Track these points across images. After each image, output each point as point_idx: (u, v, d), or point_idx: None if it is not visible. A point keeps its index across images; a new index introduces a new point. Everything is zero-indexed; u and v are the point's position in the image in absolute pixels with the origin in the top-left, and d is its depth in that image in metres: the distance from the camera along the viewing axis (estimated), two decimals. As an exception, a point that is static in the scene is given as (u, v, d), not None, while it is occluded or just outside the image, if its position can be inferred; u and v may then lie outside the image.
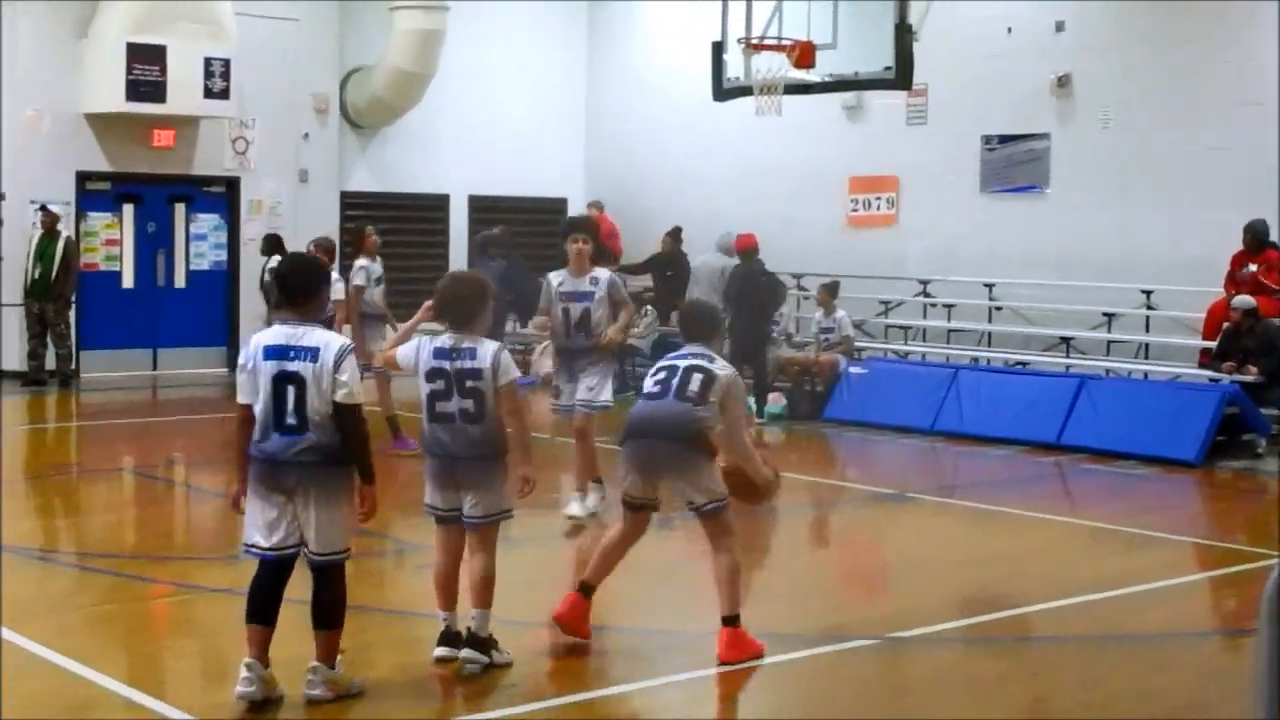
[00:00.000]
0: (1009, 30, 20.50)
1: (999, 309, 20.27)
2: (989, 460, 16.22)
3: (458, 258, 24.92)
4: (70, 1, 21.02)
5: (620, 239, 24.41)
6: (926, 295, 20.88)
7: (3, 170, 20.74)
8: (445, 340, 8.10)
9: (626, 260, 23.89)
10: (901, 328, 21.00)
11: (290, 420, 7.33)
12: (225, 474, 14.83)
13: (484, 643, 8.08)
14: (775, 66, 16.82)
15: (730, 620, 8.40)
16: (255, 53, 21.83)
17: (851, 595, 10.75)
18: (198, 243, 22.74)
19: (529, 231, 25.46)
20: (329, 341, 7.42)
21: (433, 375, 8.05)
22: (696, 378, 8.38)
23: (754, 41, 16.96)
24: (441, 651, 8.15)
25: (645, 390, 8.58)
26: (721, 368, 8.53)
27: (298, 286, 7.58)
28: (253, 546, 7.51)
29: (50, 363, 20.61)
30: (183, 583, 10.30)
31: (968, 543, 12.32)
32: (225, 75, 21.26)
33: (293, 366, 7.34)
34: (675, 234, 22.05)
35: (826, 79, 17.13)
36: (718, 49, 17.72)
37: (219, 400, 20.20)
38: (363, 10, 23.58)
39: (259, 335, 7.58)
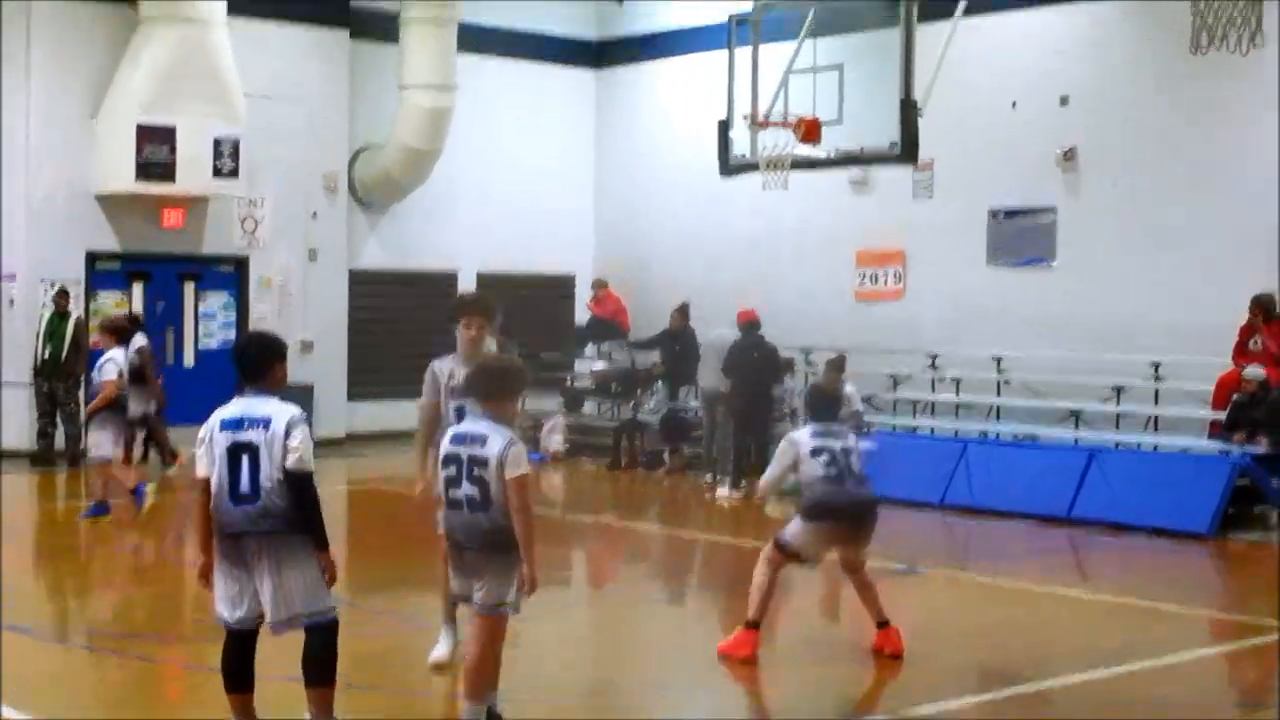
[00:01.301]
0: (1014, 104, 20.61)
1: (1007, 382, 20.25)
2: (1000, 533, 16.17)
3: (466, 334, 24.93)
4: (82, 81, 21.16)
5: (628, 314, 24.47)
6: (935, 368, 20.87)
7: (8, 250, 20.79)
8: (463, 426, 8.10)
9: (635, 335, 23.95)
10: (910, 401, 20.97)
11: (244, 489, 7.42)
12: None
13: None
14: (781, 142, 16.91)
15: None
16: (264, 132, 21.96)
17: (862, 669, 10.67)
18: (207, 321, 22.78)
19: (537, 308, 25.57)
20: (280, 410, 7.54)
21: (447, 461, 7.99)
22: (855, 458, 10.08)
23: (760, 119, 17.06)
24: None
25: (822, 474, 9.94)
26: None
27: (252, 360, 7.78)
28: (220, 619, 7.65)
29: (59, 442, 20.59)
30: (192, 664, 10.24)
31: (979, 616, 12.25)
32: (234, 155, 21.37)
33: (246, 436, 7.47)
34: (684, 309, 22.07)
35: (833, 154, 17.23)
36: (724, 127, 17.82)
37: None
38: (371, 89, 23.72)
39: (219, 410, 7.70)
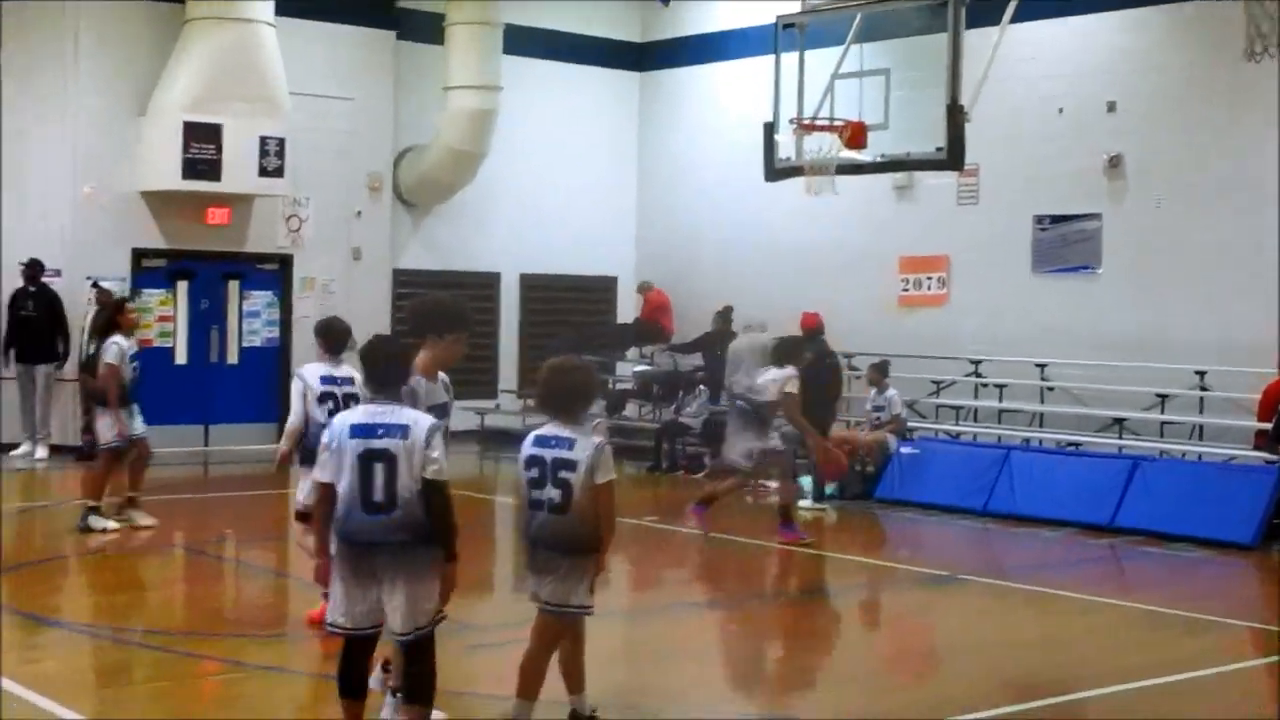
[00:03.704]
0: (1060, 110, 20.52)
1: (1051, 389, 20.16)
2: (1042, 542, 16.10)
3: (508, 336, 24.99)
4: (129, 80, 21.27)
5: (671, 317, 24.46)
6: (978, 375, 20.79)
7: (56, 246, 20.93)
8: (548, 429, 8.03)
9: (678, 339, 23.95)
10: (953, 408, 20.90)
11: (378, 498, 7.24)
12: (276, 551, 14.94)
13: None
14: (827, 147, 16.87)
15: None
16: (310, 131, 22.04)
17: (902, 679, 10.64)
18: (250, 319, 22.87)
19: (579, 309, 25.60)
20: (418, 419, 7.35)
21: (530, 463, 7.97)
22: None
23: (805, 122, 17.02)
24: None
25: None
26: None
27: (383, 366, 7.51)
28: (334, 625, 7.48)
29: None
30: (233, 660, 10.29)
31: (1020, 626, 12.20)
32: (280, 154, 21.44)
33: (381, 444, 7.26)
34: (725, 313, 22.04)
35: (878, 159, 17.17)
36: (769, 130, 17.76)
37: (269, 477, 20.27)
38: (416, 90, 23.77)
39: (344, 414, 7.56)
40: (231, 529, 16.32)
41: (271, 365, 22.85)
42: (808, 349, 18.30)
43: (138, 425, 15.34)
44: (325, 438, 7.48)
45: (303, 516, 10.72)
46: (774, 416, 15.13)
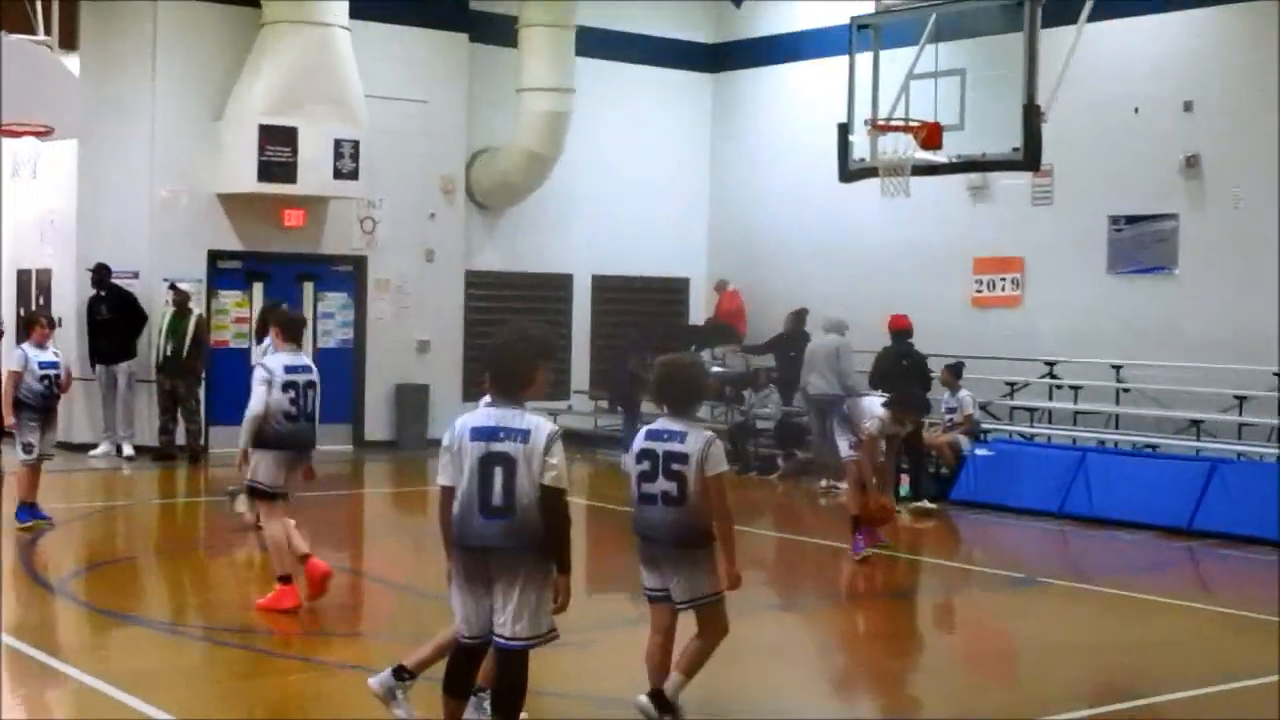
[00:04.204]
0: (1136, 110, 20.36)
1: (1127, 391, 20.00)
2: (1119, 544, 15.98)
3: (580, 337, 25.03)
4: (205, 83, 21.45)
5: (745, 318, 24.44)
6: (1053, 376, 20.65)
7: (133, 249, 21.15)
8: (660, 422, 8.15)
9: (749, 340, 23.92)
10: (1028, 409, 20.78)
11: (496, 502, 7.19)
12: (352, 549, 15.02)
13: (666, 704, 8.16)
14: (902, 147, 16.81)
15: None
16: (384, 134, 22.16)
17: (979, 682, 10.59)
18: (325, 320, 23.01)
19: (651, 311, 25.61)
20: (540, 424, 7.29)
21: (642, 455, 8.09)
22: None
23: (880, 122, 16.97)
24: (642, 700, 8.18)
25: None
26: None
27: (511, 369, 7.43)
28: (460, 636, 7.49)
29: (180, 438, 20.92)
30: (311, 658, 10.36)
31: (1098, 629, 12.11)
32: (354, 156, 21.57)
33: (501, 447, 7.21)
34: (799, 315, 22.01)
35: (954, 160, 17.10)
36: (844, 131, 17.72)
37: (344, 477, 20.42)
38: (490, 92, 23.85)
39: (465, 417, 7.49)
40: (305, 528, 16.37)
41: (346, 366, 22.98)
42: (893, 350, 18.31)
43: None
44: (445, 440, 7.43)
45: (254, 493, 11.61)
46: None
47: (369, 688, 8.29)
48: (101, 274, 20.76)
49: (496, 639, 7.33)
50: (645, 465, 8.07)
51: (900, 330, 18.85)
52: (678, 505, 7.97)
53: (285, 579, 11.41)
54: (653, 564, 8.18)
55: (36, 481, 15.01)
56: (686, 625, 8.35)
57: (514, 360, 7.47)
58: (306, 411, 11.47)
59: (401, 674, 8.25)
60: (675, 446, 8.00)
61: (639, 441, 8.17)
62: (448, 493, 7.35)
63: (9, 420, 14.69)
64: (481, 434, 7.27)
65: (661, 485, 7.99)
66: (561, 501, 7.25)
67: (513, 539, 7.18)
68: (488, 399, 7.56)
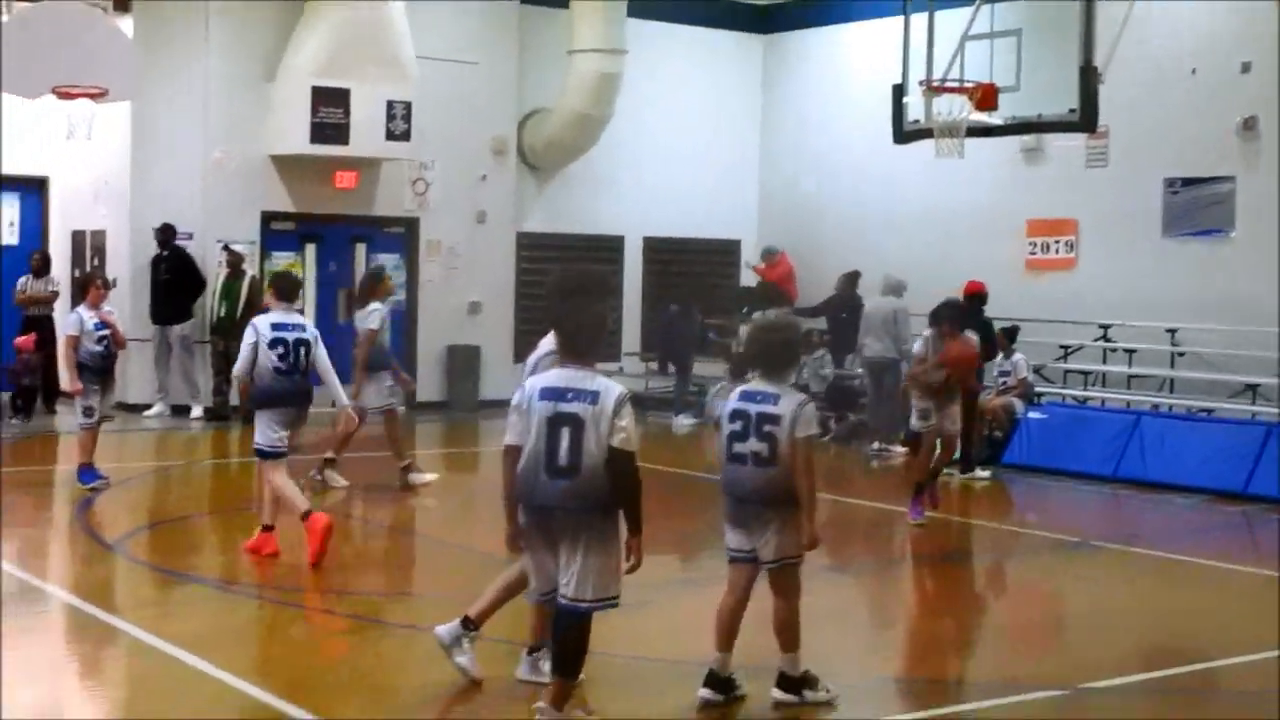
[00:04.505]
0: (1193, 71, 20.13)
1: (1181, 354, 19.86)
2: (1173, 509, 15.90)
3: (631, 299, 25.00)
4: (258, 45, 21.48)
5: (796, 282, 24.36)
6: (1107, 340, 20.52)
7: (187, 210, 21.23)
8: (753, 384, 8.23)
9: (801, 303, 23.84)
10: (1081, 373, 20.66)
11: (562, 462, 7.26)
12: (402, 509, 15.09)
13: (795, 682, 8.19)
14: (957, 109, 16.72)
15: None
16: (436, 95, 22.14)
17: (1032, 645, 10.57)
18: (377, 282, 23.02)
19: (703, 273, 25.56)
20: (610, 387, 7.36)
21: (734, 416, 8.17)
22: None
23: (935, 83, 16.86)
24: (704, 693, 8.19)
25: None
26: None
27: (579, 332, 7.56)
28: (528, 594, 7.65)
29: (234, 399, 21.01)
30: (366, 617, 10.42)
31: (1151, 593, 12.07)
32: (406, 118, 21.58)
33: (570, 408, 7.29)
34: (852, 277, 21.94)
35: (1009, 121, 16.98)
36: (898, 91, 17.62)
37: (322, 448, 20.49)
38: (541, 53, 23.80)
39: (535, 378, 7.59)
40: (357, 488, 16.47)
41: (398, 328, 22.98)
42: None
43: (385, 392, 15.76)
44: (515, 399, 7.53)
45: (257, 453, 11.89)
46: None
47: (435, 636, 8.40)
48: (167, 234, 20.87)
49: (559, 599, 7.37)
50: (737, 425, 8.15)
51: (974, 295, 18.66)
52: (768, 465, 8.05)
53: (268, 528, 11.97)
54: (740, 524, 8.25)
55: (94, 442, 15.12)
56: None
57: (582, 323, 7.59)
58: (299, 367, 11.77)
59: (468, 624, 8.35)
60: (768, 408, 8.08)
61: (731, 402, 8.25)
62: (513, 451, 7.43)
63: (76, 386, 14.77)
64: (550, 394, 7.35)
65: (753, 445, 8.08)
66: (631, 464, 7.31)
67: (576, 500, 7.24)
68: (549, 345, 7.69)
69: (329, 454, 15.46)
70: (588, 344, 7.55)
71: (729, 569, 8.38)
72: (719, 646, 8.23)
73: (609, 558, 7.35)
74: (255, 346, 11.63)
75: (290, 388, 11.74)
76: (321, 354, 11.94)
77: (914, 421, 14.69)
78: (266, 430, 11.74)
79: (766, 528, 8.13)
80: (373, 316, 15.58)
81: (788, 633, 8.22)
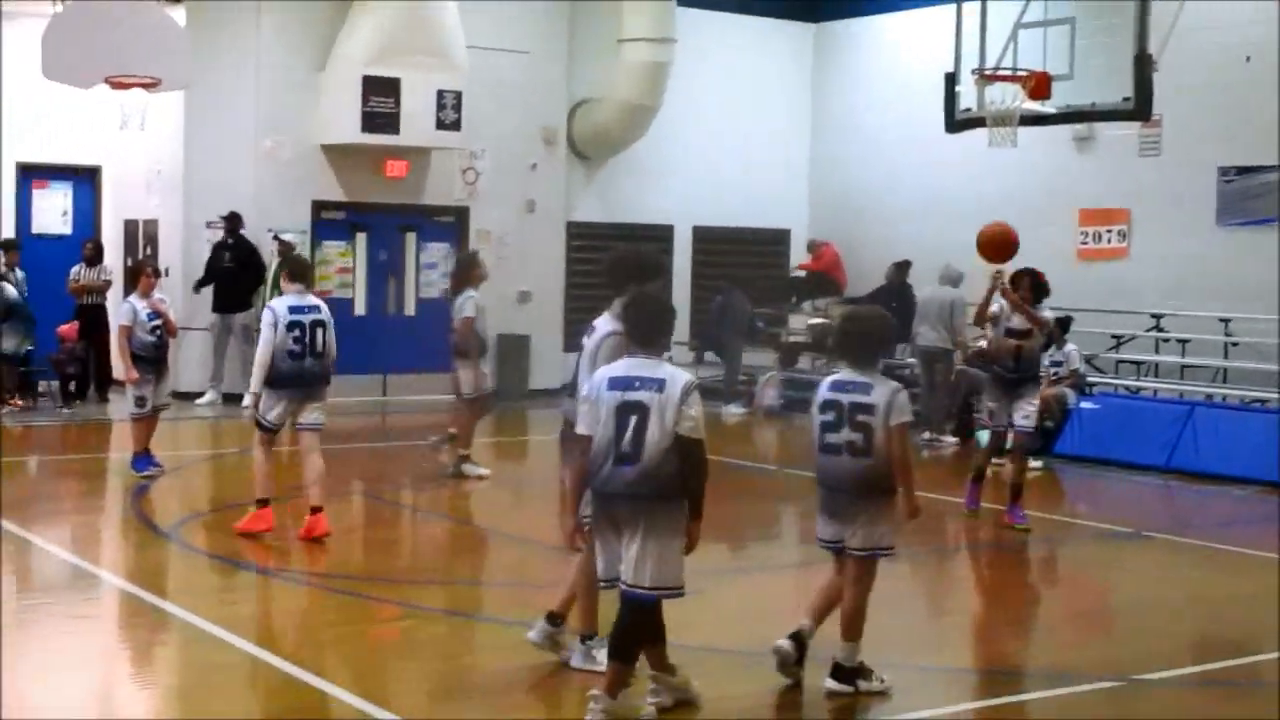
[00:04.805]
0: (1248, 59, 19.97)
1: (1235, 344, 19.70)
2: (1227, 500, 15.80)
3: (680, 288, 24.97)
4: (309, 35, 21.55)
5: (844, 269, 24.31)
6: (1159, 330, 20.39)
7: (237, 199, 21.31)
8: (843, 374, 8.25)
9: (851, 292, 23.79)
10: (1133, 363, 20.53)
11: (626, 449, 7.33)
12: (453, 497, 15.12)
13: (849, 673, 8.22)
14: (1009, 97, 16.61)
15: None
16: (486, 85, 22.17)
17: (1085, 636, 10.52)
18: (427, 271, 23.09)
19: (752, 263, 25.53)
20: (677, 375, 7.45)
21: (826, 407, 8.21)
22: None
23: (988, 72, 16.76)
24: (781, 643, 8.30)
25: None
26: None
27: (647, 322, 7.66)
28: (599, 579, 7.68)
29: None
30: (414, 604, 10.45)
31: (1205, 584, 12.00)
32: (457, 107, 21.61)
33: (636, 396, 7.36)
34: (902, 266, 21.87)
35: (1062, 110, 16.87)
36: (950, 80, 17.53)
37: (445, 425, 20.53)
38: (591, 43, 23.80)
39: (606, 368, 7.66)
40: (408, 476, 16.52)
41: (448, 316, 22.96)
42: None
43: (479, 379, 15.85)
44: (585, 390, 7.63)
45: (258, 425, 12.18)
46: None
47: (530, 642, 8.48)
48: (234, 223, 20.97)
49: (622, 585, 7.42)
50: (830, 416, 8.18)
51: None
52: (863, 455, 8.08)
53: (263, 503, 12.17)
54: (832, 513, 8.28)
55: (150, 430, 15.21)
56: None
57: (649, 312, 7.69)
58: (314, 350, 12.05)
59: (554, 619, 8.42)
60: (861, 398, 8.10)
61: (822, 393, 8.26)
62: (584, 441, 7.52)
63: (133, 375, 14.86)
64: (618, 384, 7.44)
65: (846, 436, 8.11)
66: (699, 451, 7.37)
67: (639, 487, 7.30)
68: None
69: (462, 449, 15.62)
70: (655, 332, 7.62)
71: (834, 561, 8.45)
72: (807, 612, 8.34)
73: (671, 545, 7.40)
74: (275, 327, 11.90)
75: (299, 370, 12.03)
76: (331, 337, 12.24)
77: (984, 421, 14.30)
78: (271, 407, 12.07)
79: (856, 518, 8.17)
80: (468, 304, 15.62)
81: (852, 622, 8.25)
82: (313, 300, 12.36)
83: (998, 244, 13.61)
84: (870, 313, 8.69)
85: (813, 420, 8.30)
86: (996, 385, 13.88)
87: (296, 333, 11.97)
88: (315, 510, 12.10)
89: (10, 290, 20.05)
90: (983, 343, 15.00)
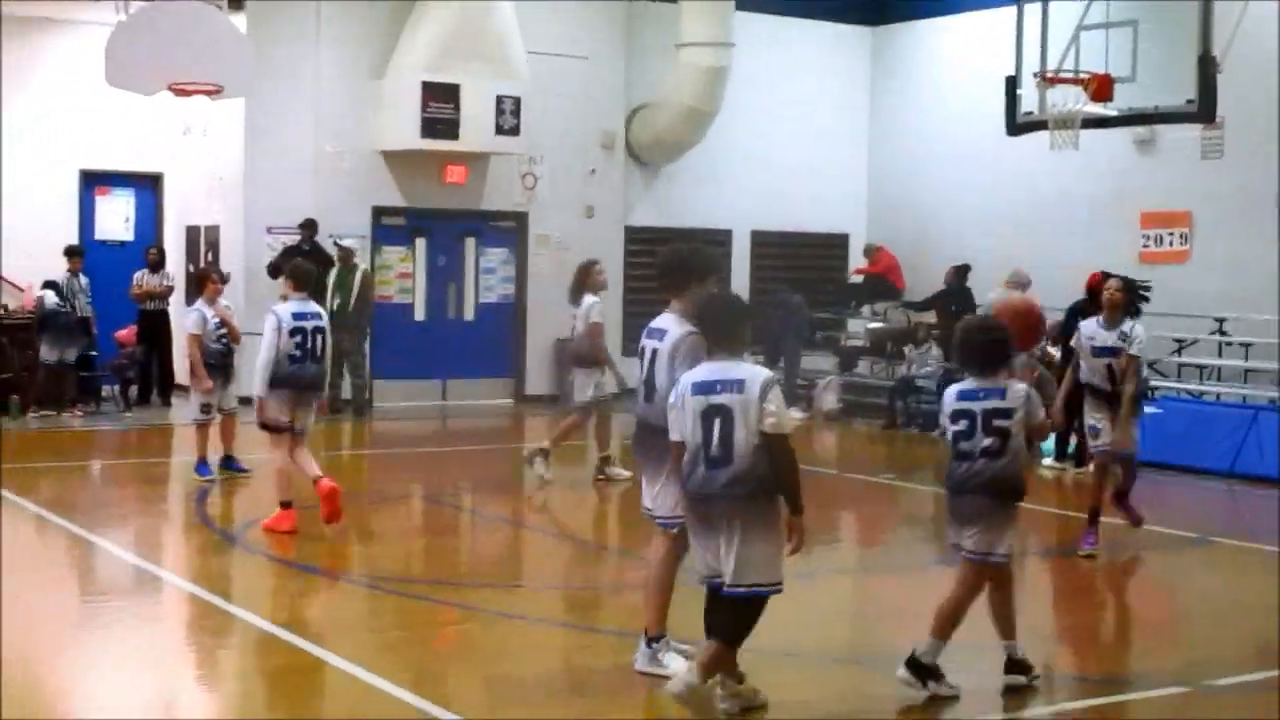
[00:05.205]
0: (1311, 60, 19.79)
1: (1299, 348, 19.52)
2: (1292, 505, 15.64)
3: (739, 293, 24.86)
4: (368, 41, 21.66)
5: (902, 273, 24.23)
6: (1222, 333, 20.22)
7: (299, 203, 21.42)
8: (969, 383, 8.36)
9: (910, 296, 23.72)
10: (1196, 366, 20.38)
11: (715, 452, 7.43)
12: (512, 501, 15.16)
13: (924, 669, 8.23)
14: (1071, 100, 16.52)
15: None
16: (545, 90, 22.24)
17: (1150, 641, 10.44)
18: (486, 276, 23.18)
19: (811, 267, 25.48)
20: (755, 373, 7.53)
21: (957, 416, 8.32)
22: None
23: (1050, 74, 16.68)
24: (1007, 679, 8.48)
25: None
26: None
27: (721, 324, 7.72)
28: (700, 578, 7.72)
29: (346, 391, 21.19)
30: (473, 607, 10.47)
31: (1270, 589, 11.85)
32: (516, 112, 21.68)
33: (719, 399, 7.45)
34: (961, 270, 21.77)
35: (1125, 112, 16.76)
36: (1011, 83, 17.45)
37: (505, 430, 20.62)
38: (649, 48, 23.83)
39: (689, 373, 7.72)
40: (468, 480, 16.57)
41: (507, 321, 23.17)
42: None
43: (610, 385, 15.87)
44: (671, 398, 7.70)
45: (264, 427, 12.67)
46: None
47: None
48: (310, 229, 21.08)
49: (726, 586, 7.50)
50: (962, 425, 8.29)
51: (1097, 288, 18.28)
52: (998, 457, 8.20)
53: (286, 504, 12.46)
54: (960, 519, 8.36)
55: (231, 433, 15.53)
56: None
57: (725, 313, 7.77)
58: (314, 355, 12.50)
59: (651, 643, 8.41)
60: (996, 403, 8.23)
61: (951, 403, 8.36)
62: (678, 447, 7.63)
63: (206, 384, 15.01)
64: (701, 388, 7.52)
65: (982, 441, 8.23)
66: (785, 445, 7.44)
67: (732, 487, 7.40)
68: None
69: (544, 444, 15.76)
70: (732, 332, 7.69)
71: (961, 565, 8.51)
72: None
73: (769, 543, 7.48)
74: (279, 331, 12.29)
75: (300, 373, 12.45)
76: (329, 344, 12.81)
77: (1090, 442, 13.36)
78: (274, 407, 12.46)
79: (977, 521, 8.25)
80: (594, 310, 15.64)
81: (942, 622, 8.29)
82: (314, 308, 12.77)
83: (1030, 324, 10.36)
84: (989, 324, 8.74)
85: (945, 431, 8.43)
86: (1098, 401, 12.84)
87: (299, 338, 12.41)
88: (317, 480, 12.56)
89: (51, 298, 20.22)
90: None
